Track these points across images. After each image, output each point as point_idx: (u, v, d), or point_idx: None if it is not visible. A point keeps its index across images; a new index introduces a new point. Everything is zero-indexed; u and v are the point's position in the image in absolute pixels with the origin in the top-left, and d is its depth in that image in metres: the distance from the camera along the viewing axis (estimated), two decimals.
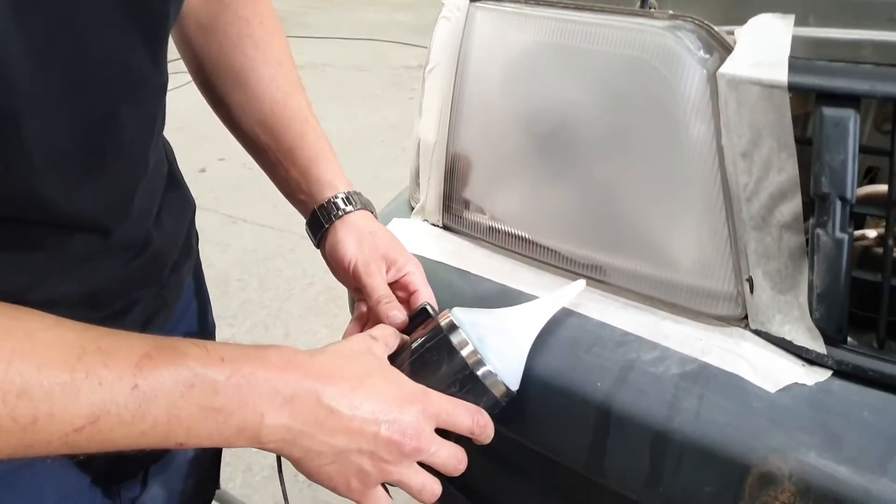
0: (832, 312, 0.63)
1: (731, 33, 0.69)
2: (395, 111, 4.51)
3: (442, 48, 0.88)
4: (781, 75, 0.62)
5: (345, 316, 0.89)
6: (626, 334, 0.70)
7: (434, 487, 0.57)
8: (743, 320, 0.69)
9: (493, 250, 0.86)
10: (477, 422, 0.59)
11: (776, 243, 0.65)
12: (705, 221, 0.69)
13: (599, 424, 0.66)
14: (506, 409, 0.64)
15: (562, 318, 0.73)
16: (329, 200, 0.74)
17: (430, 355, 0.61)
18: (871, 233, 0.69)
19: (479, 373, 0.60)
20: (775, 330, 0.66)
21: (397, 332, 0.65)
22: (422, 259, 0.86)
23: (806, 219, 0.64)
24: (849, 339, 0.64)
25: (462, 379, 0.60)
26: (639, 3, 0.79)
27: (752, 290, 0.67)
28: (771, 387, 0.62)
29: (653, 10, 0.75)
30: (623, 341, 0.69)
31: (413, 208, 0.96)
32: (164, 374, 0.47)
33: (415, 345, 0.63)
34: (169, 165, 0.72)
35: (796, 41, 0.69)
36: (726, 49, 0.67)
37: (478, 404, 0.60)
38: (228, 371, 0.50)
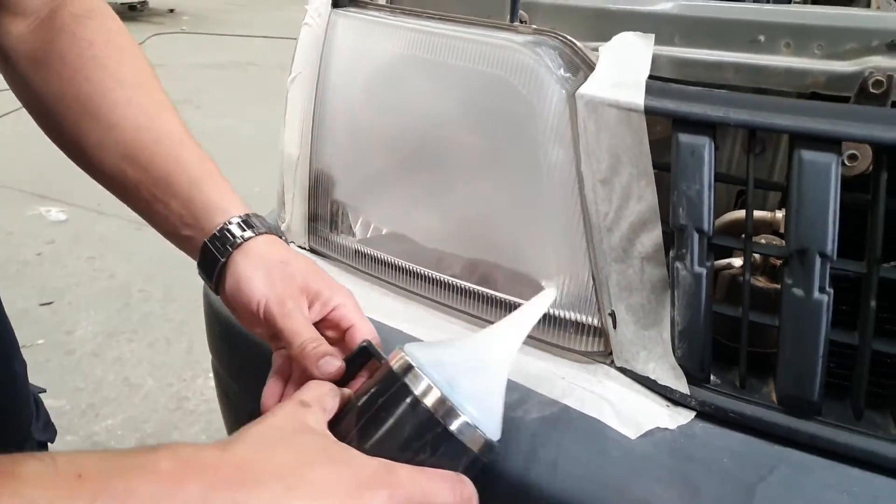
0: (694, 350, 0.59)
1: (597, 50, 0.65)
2: None
3: (304, 56, 0.81)
4: (638, 98, 0.58)
5: None
6: None
7: None
8: (608, 356, 0.65)
9: (362, 277, 0.80)
10: (461, 494, 0.45)
11: (638, 276, 0.61)
12: (566, 251, 0.64)
13: None
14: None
15: None
16: (221, 228, 0.59)
17: (384, 413, 0.47)
18: (738, 261, 0.66)
19: (454, 427, 0.46)
20: (640, 368, 0.63)
21: (335, 387, 0.51)
22: None
23: (668, 250, 0.60)
24: (712, 377, 0.61)
25: (433, 439, 0.46)
26: (508, 17, 0.74)
27: (615, 325, 0.63)
28: (632, 432, 0.58)
29: (518, 24, 0.71)
30: None
31: None
32: None
33: (362, 401, 0.49)
34: None
35: (662, 61, 0.65)
36: (591, 68, 0.63)
37: (456, 468, 0.47)
38: (89, 495, 0.35)
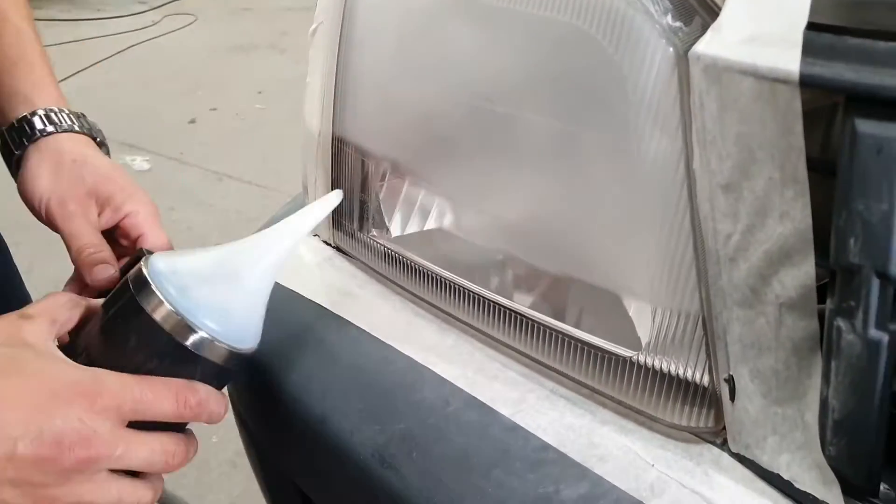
0: (857, 449, 0.39)
1: None
2: None
3: (327, 0, 0.63)
4: (791, 60, 0.37)
5: None
6: (545, 448, 0.47)
7: (139, 494, 0.44)
8: (719, 435, 0.46)
9: (392, 289, 0.63)
10: (185, 402, 0.44)
11: (773, 329, 0.41)
12: (665, 284, 0.45)
13: None
14: None
15: (459, 411, 0.51)
16: (21, 119, 0.56)
17: (113, 325, 0.46)
18: None
19: (185, 340, 0.44)
20: (766, 460, 0.43)
21: (75, 298, 0.48)
22: (298, 298, 0.63)
23: (823, 296, 0.40)
24: (882, 487, 0.40)
25: (161, 351, 0.44)
26: None
27: (732, 396, 0.44)
28: None
29: None
30: (539, 460, 0.46)
31: None
32: None
33: (100, 313, 0.47)
34: None
35: (824, 1, 0.43)
36: (713, 13, 0.42)
37: (192, 376, 0.45)
38: None
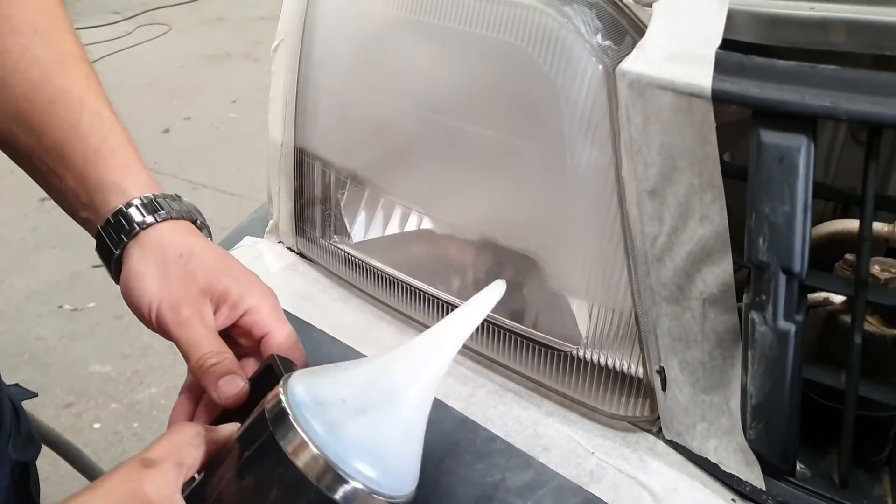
0: (774, 433, 0.42)
1: (650, 7, 0.47)
2: None
3: (288, 18, 0.66)
4: (704, 77, 0.40)
5: None
6: (493, 439, 0.50)
7: None
8: (654, 424, 0.49)
9: (353, 293, 0.66)
10: None
11: (698, 323, 0.45)
12: (599, 283, 0.48)
13: None
14: None
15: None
16: (116, 213, 0.49)
17: (252, 471, 0.38)
18: (838, 297, 0.49)
19: (335, 493, 0.36)
20: (696, 445, 0.46)
21: (200, 433, 0.41)
22: None
23: (742, 291, 0.43)
24: (799, 466, 0.44)
25: None
26: None
27: (664, 387, 0.47)
28: None
29: None
30: (486, 451, 0.49)
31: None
32: None
33: (230, 454, 0.39)
34: None
35: (742, 19, 0.47)
36: (641, 33, 0.46)
37: None
38: None
